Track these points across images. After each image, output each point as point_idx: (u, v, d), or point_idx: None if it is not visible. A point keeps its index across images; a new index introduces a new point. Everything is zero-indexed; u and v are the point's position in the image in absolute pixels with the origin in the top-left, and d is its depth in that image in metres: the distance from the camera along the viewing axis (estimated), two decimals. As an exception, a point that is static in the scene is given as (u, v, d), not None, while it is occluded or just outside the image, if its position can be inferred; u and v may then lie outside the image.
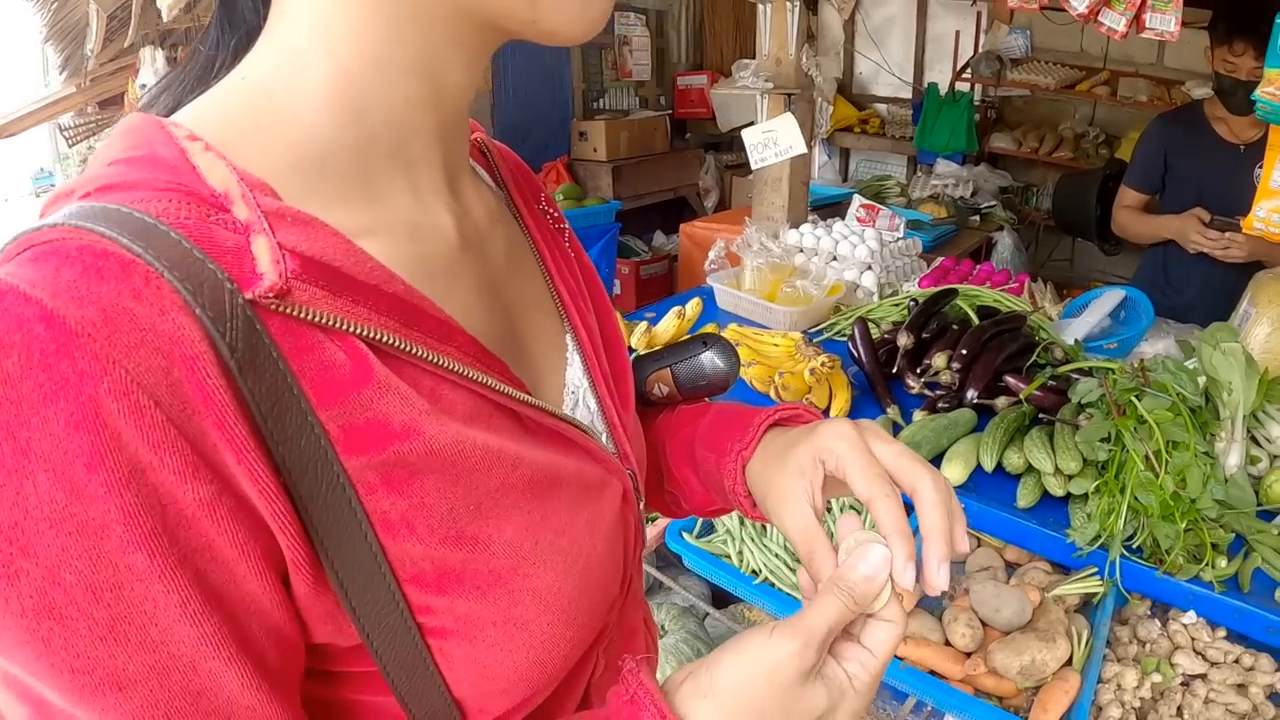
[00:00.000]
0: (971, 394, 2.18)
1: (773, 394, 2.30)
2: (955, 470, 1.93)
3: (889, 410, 2.27)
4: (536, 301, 0.78)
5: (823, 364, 2.28)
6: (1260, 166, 2.85)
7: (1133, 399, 1.84)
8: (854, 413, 2.30)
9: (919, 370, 2.31)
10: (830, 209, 4.37)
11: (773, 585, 1.93)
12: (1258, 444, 1.99)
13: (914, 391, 2.29)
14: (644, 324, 2.70)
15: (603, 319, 0.86)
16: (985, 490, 1.94)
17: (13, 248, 0.47)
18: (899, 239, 3.60)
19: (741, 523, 2.05)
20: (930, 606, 1.80)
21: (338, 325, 0.52)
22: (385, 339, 0.54)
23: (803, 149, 3.38)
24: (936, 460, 2.00)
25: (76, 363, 0.43)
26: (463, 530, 0.58)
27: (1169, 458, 1.72)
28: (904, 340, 2.36)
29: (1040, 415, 2.08)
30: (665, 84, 7.22)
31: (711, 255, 3.29)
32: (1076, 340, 2.49)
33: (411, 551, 0.56)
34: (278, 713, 0.52)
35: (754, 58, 3.50)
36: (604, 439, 0.77)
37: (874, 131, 7.11)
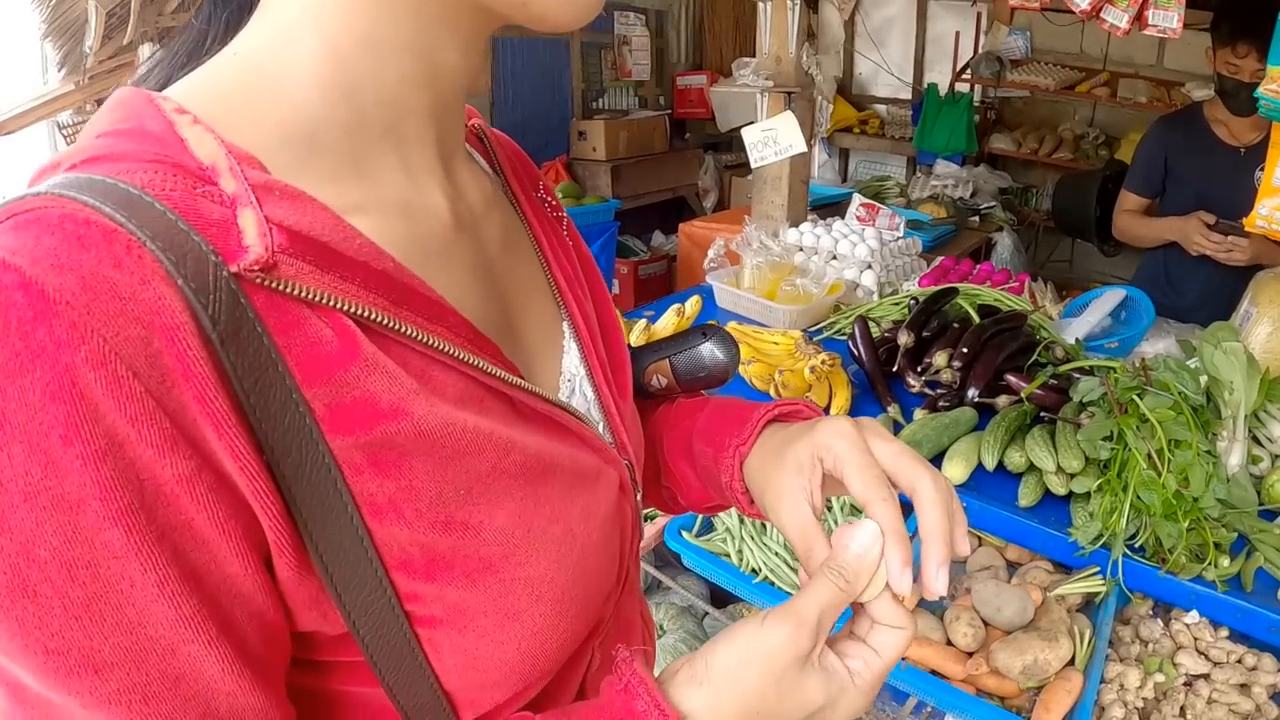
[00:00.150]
0: (972, 392, 2.17)
1: (773, 392, 2.29)
2: (956, 469, 1.92)
3: (889, 409, 2.26)
4: (532, 288, 0.77)
5: (823, 362, 2.27)
6: (1260, 169, 2.85)
7: (1134, 398, 1.83)
8: (854, 411, 2.29)
9: (920, 369, 2.30)
10: (830, 209, 4.37)
11: (773, 584, 1.92)
12: (1259, 443, 1.99)
13: (914, 390, 2.28)
14: (643, 321, 2.69)
15: (600, 308, 0.84)
16: (986, 489, 1.93)
17: None
18: (899, 238, 3.59)
19: (741, 521, 2.04)
20: (932, 606, 1.79)
21: (325, 301, 0.51)
22: (374, 316, 0.53)
23: (803, 147, 3.37)
24: (937, 459, 1.99)
25: (54, 331, 0.42)
26: (452, 515, 0.56)
27: (1171, 456, 1.71)
28: (905, 338, 2.35)
29: (1041, 414, 2.07)
30: (665, 84, 7.22)
31: (711, 254, 3.29)
32: (1077, 339, 2.49)
33: (399, 536, 0.54)
34: (261, 700, 0.51)
35: (754, 57, 3.49)
36: (601, 429, 0.76)
37: (873, 132, 7.11)
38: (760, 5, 3.35)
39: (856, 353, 2.44)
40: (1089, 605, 1.77)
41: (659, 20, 7.09)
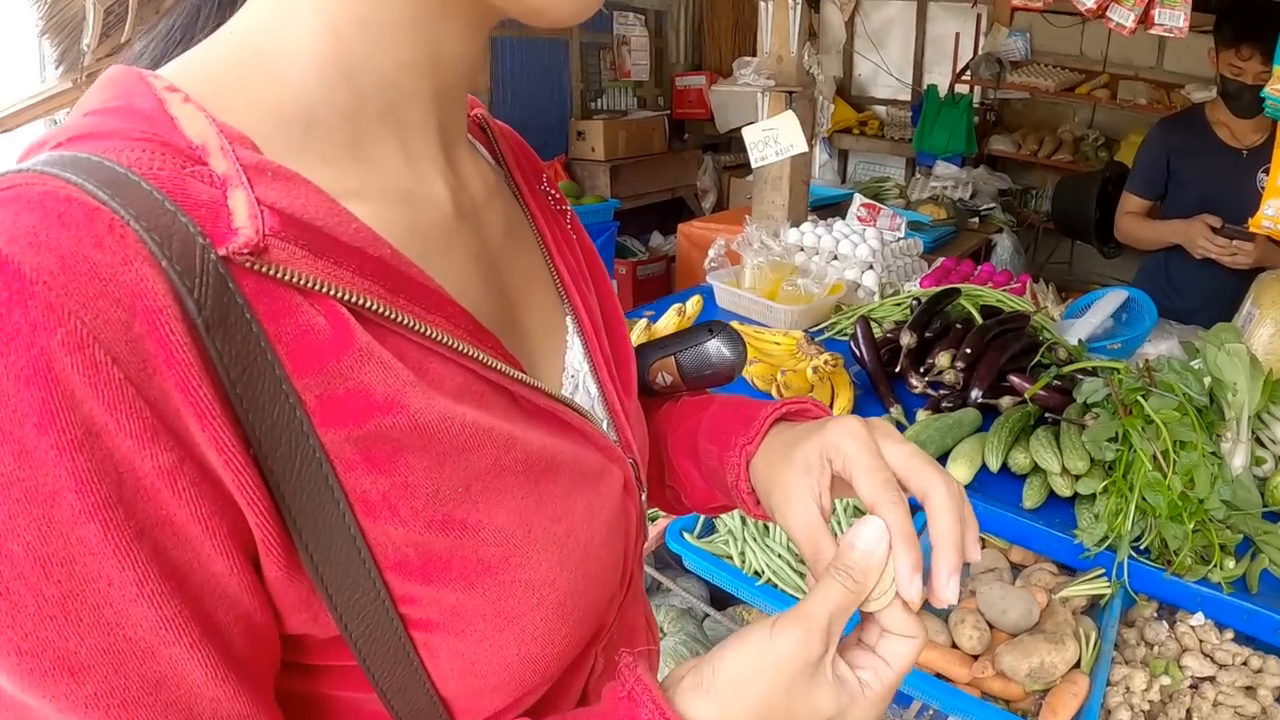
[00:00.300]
0: (976, 393, 2.16)
1: (775, 392, 2.28)
2: (960, 470, 1.91)
3: (892, 410, 2.25)
4: (535, 281, 0.75)
5: (826, 363, 2.26)
6: (1263, 171, 2.85)
7: (1139, 399, 1.82)
8: (856, 412, 2.28)
9: (922, 369, 2.29)
10: (830, 209, 4.36)
11: (775, 587, 1.90)
12: (1262, 445, 1.98)
13: (917, 391, 2.27)
14: (644, 321, 2.68)
15: (605, 303, 0.82)
16: (990, 490, 1.92)
17: None
18: (900, 239, 3.59)
19: (744, 523, 2.03)
20: (936, 609, 1.78)
21: (318, 287, 0.49)
22: (369, 304, 0.51)
23: (804, 147, 3.36)
24: (941, 460, 1.98)
25: (29, 312, 0.40)
26: (450, 514, 0.54)
27: (1176, 458, 1.70)
28: (907, 339, 2.34)
29: (1045, 415, 2.06)
30: (664, 84, 7.21)
31: (711, 254, 3.27)
32: (1080, 340, 2.48)
33: (394, 535, 0.52)
34: (247, 705, 0.49)
35: (754, 57, 3.48)
36: (605, 426, 0.74)
37: (873, 133, 7.10)
38: (762, 4, 3.34)
39: (858, 353, 2.43)
40: (1094, 607, 1.76)
41: (658, 20, 7.08)
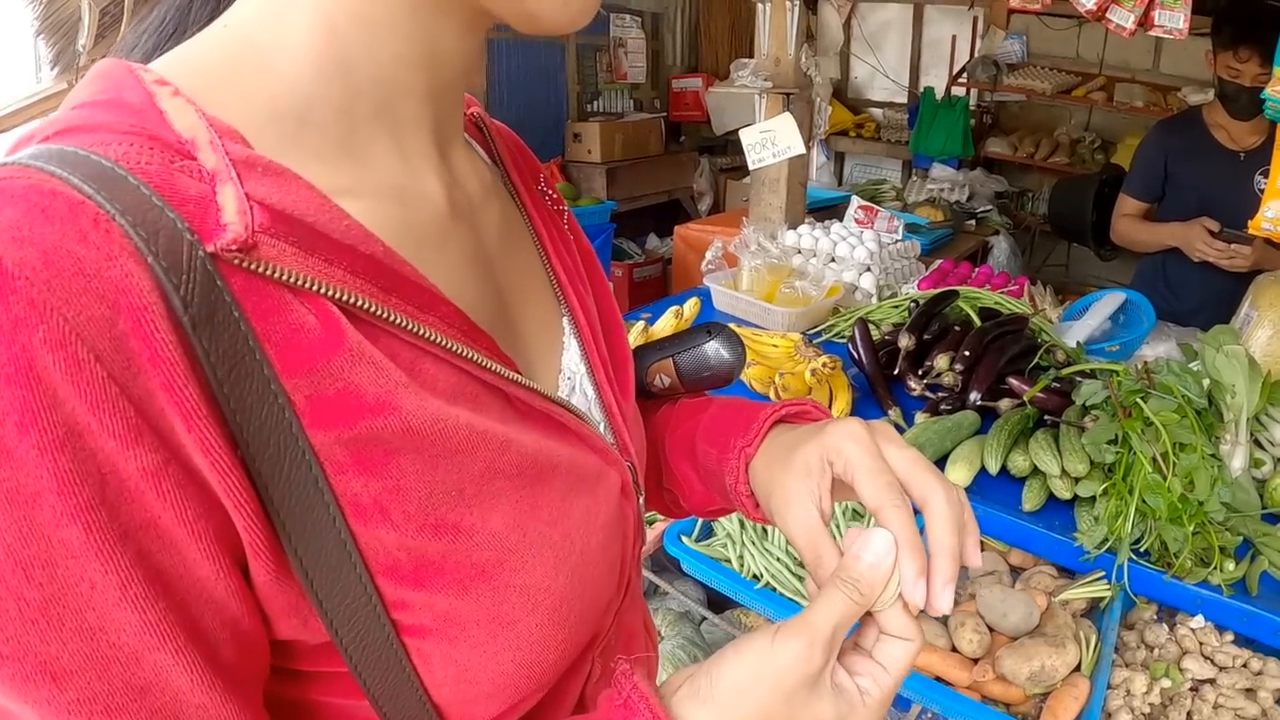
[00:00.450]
0: (974, 396, 2.16)
1: (773, 395, 2.27)
2: (959, 473, 1.91)
3: (890, 412, 2.25)
4: (531, 281, 0.74)
5: (824, 365, 2.26)
6: (1261, 173, 2.85)
7: (1138, 401, 1.81)
8: (855, 414, 2.26)
9: (921, 372, 2.28)
10: (827, 211, 4.36)
11: (774, 590, 1.90)
12: (1261, 447, 1.98)
13: (915, 393, 2.27)
14: (640, 323, 2.67)
15: (602, 304, 0.81)
16: (990, 493, 1.92)
17: None
18: (897, 241, 3.58)
19: (742, 526, 2.02)
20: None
21: (308, 285, 0.48)
22: (360, 303, 0.50)
23: (801, 149, 3.36)
24: (940, 462, 1.97)
25: (10, 308, 0.39)
26: (443, 518, 0.53)
27: (1176, 460, 1.70)
28: (905, 341, 2.34)
29: (1044, 417, 2.06)
30: (660, 87, 7.21)
31: (709, 256, 3.27)
32: (1078, 343, 2.48)
33: (385, 540, 0.51)
34: (234, 713, 0.48)
35: (751, 59, 3.48)
36: (602, 428, 0.73)
37: (869, 136, 7.11)
38: (759, 6, 3.34)
39: (857, 355, 2.42)
40: (1094, 610, 1.75)
41: (654, 23, 7.08)
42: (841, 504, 2.04)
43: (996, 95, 6.48)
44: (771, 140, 3.35)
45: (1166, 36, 2.61)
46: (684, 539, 2.06)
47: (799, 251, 3.30)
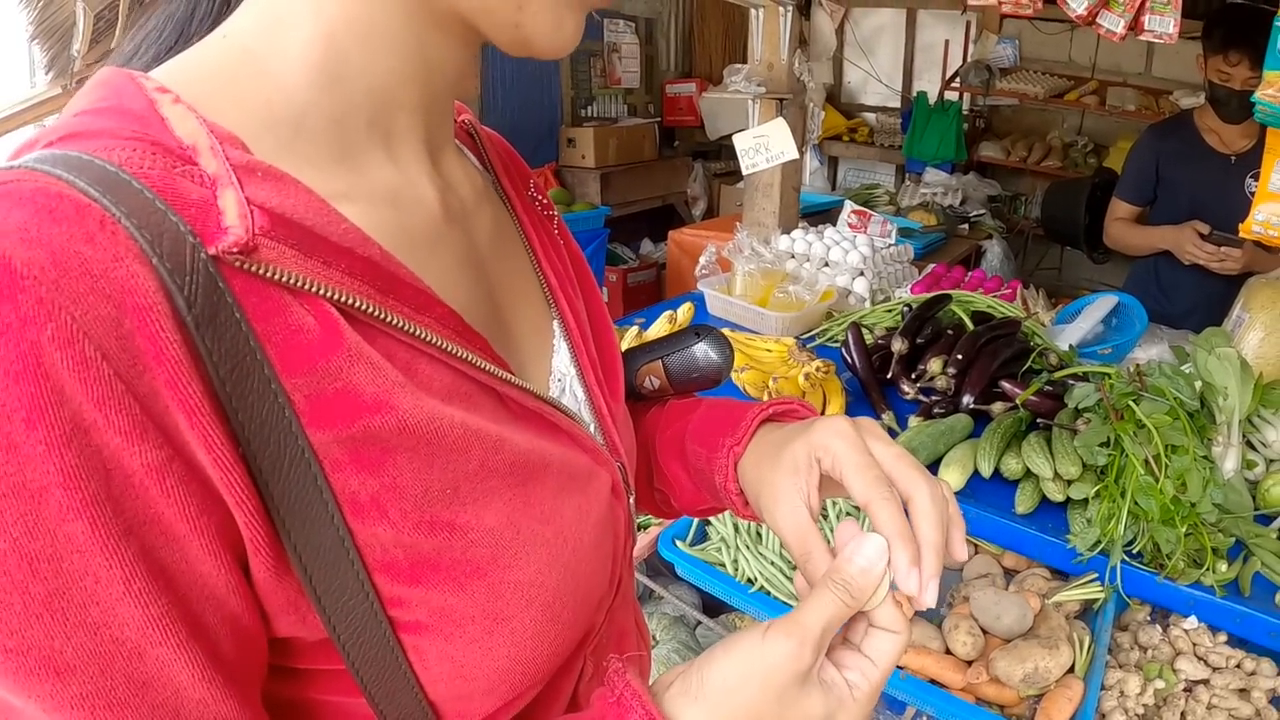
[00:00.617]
0: (967, 399, 2.16)
1: (766, 399, 2.27)
2: (953, 476, 1.91)
3: (884, 416, 2.25)
4: (522, 285, 0.75)
5: (817, 369, 2.26)
6: (1252, 176, 2.86)
7: (1130, 403, 1.82)
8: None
9: (914, 375, 2.29)
10: (820, 216, 4.37)
11: (769, 594, 1.90)
12: (1253, 448, 1.99)
13: (909, 397, 2.28)
14: (634, 328, 2.68)
15: (592, 308, 0.82)
16: (983, 496, 1.92)
17: None
18: (890, 245, 3.59)
19: (736, 530, 2.03)
20: (930, 614, 1.78)
21: (307, 287, 0.49)
22: (358, 304, 0.51)
23: (794, 154, 3.36)
24: (933, 466, 1.98)
25: (19, 307, 0.39)
26: (438, 515, 0.54)
27: (1168, 462, 1.71)
28: (899, 345, 2.34)
29: (1037, 420, 2.06)
30: (654, 92, 7.21)
31: (702, 260, 3.28)
32: (1071, 346, 2.49)
33: (382, 536, 0.52)
34: (234, 709, 0.48)
35: (745, 64, 3.49)
36: (592, 429, 0.74)
37: (863, 140, 7.13)
38: (752, 12, 3.35)
39: (850, 360, 2.43)
40: (1087, 612, 1.76)
41: (648, 28, 7.09)
42: (834, 504, 2.04)
43: (989, 99, 6.50)
44: (765, 145, 3.36)
45: (1156, 41, 2.61)
46: (678, 543, 2.06)
47: (792, 256, 3.30)
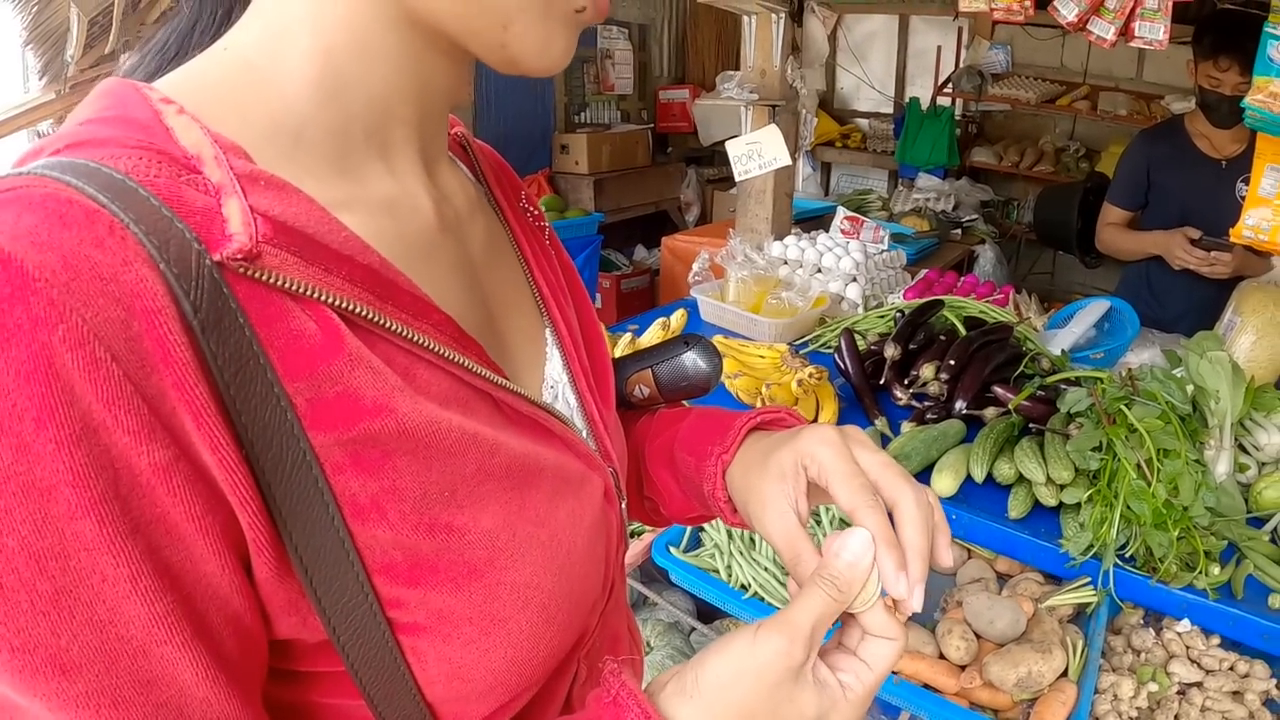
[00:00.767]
0: (960, 405, 2.16)
1: (759, 405, 2.26)
2: (946, 481, 1.91)
3: (877, 422, 2.26)
4: (515, 294, 0.76)
5: (810, 375, 2.27)
6: (1242, 181, 2.87)
7: (1122, 408, 1.83)
8: (841, 424, 2.26)
9: (906, 381, 2.29)
10: (813, 222, 4.37)
11: (763, 600, 1.90)
12: (1245, 451, 1.99)
13: (901, 403, 2.28)
14: (628, 335, 2.68)
15: (583, 317, 0.84)
16: (976, 501, 1.92)
17: None
18: (883, 251, 3.59)
19: (730, 536, 2.03)
20: (923, 619, 1.78)
21: (309, 293, 0.50)
22: (358, 310, 0.52)
23: (787, 161, 3.37)
24: (926, 471, 1.98)
25: (31, 309, 0.40)
26: (436, 517, 0.55)
27: (1160, 466, 1.71)
28: (891, 351, 2.35)
29: (1030, 425, 2.07)
30: (647, 98, 7.22)
31: (695, 267, 3.28)
32: (1063, 351, 2.49)
33: (381, 538, 0.53)
34: (237, 710, 0.49)
35: (737, 70, 3.49)
36: (584, 435, 0.75)
37: (855, 146, 7.14)
38: (745, 18, 3.36)
39: (843, 366, 2.43)
40: (1080, 616, 1.76)
41: (642, 34, 7.09)
42: (829, 511, 2.05)
43: (981, 105, 6.52)
44: (758, 152, 3.36)
45: (1147, 48, 2.63)
46: (672, 549, 2.06)
47: (785, 262, 3.31)
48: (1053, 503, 1.85)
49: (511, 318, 0.74)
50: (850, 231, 3.70)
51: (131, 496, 0.43)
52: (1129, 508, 1.68)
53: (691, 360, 0.91)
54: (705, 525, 2.10)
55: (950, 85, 6.39)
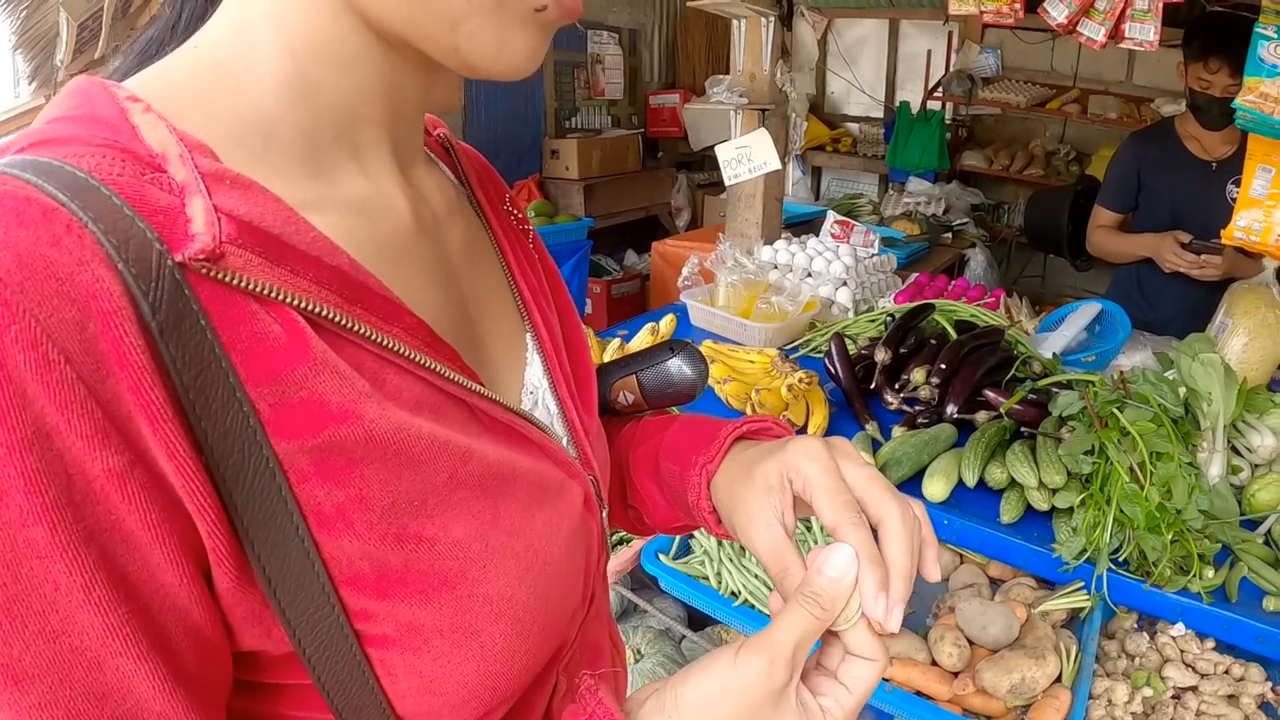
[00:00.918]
0: (951, 409, 2.15)
1: (750, 411, 2.26)
2: (937, 486, 1.90)
3: (867, 426, 2.24)
4: (496, 297, 0.75)
5: (800, 380, 2.25)
6: (1233, 183, 2.87)
7: (1115, 411, 1.81)
8: (832, 429, 2.27)
9: (897, 386, 2.28)
10: (803, 226, 4.37)
11: (752, 607, 1.89)
12: (1238, 453, 1.98)
13: (892, 407, 2.27)
14: (617, 340, 2.67)
15: (566, 322, 0.83)
16: (968, 506, 1.91)
17: None
18: (874, 255, 3.59)
19: (719, 543, 2.02)
20: (916, 625, 1.77)
21: (274, 295, 0.48)
22: (325, 313, 0.50)
23: (777, 165, 3.36)
24: (917, 476, 1.97)
25: None
26: (405, 527, 0.53)
27: (1153, 469, 1.70)
28: (882, 355, 2.33)
29: (1021, 429, 2.05)
30: (638, 103, 7.24)
31: (685, 272, 3.27)
32: (1054, 354, 2.48)
33: (348, 549, 0.51)
34: None
35: (728, 75, 3.49)
36: (564, 442, 0.73)
37: (846, 150, 7.15)
38: (734, 22, 3.35)
39: (833, 370, 2.42)
40: (1074, 621, 1.75)
41: (632, 39, 7.11)
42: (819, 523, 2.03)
43: (972, 109, 6.54)
44: (747, 156, 3.36)
45: (1137, 49, 2.62)
46: (661, 557, 2.05)
47: (775, 267, 3.30)
48: (1045, 507, 1.84)
49: (491, 321, 0.72)
50: (840, 235, 3.69)
51: (85, 503, 0.42)
52: (1122, 511, 1.67)
53: (677, 367, 0.90)
54: (694, 532, 2.09)
55: (940, 89, 6.41)
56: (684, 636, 2.33)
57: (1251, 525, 1.81)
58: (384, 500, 0.52)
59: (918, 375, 2.22)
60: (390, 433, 0.52)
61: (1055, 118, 6.18)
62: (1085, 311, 2.84)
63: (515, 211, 0.83)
